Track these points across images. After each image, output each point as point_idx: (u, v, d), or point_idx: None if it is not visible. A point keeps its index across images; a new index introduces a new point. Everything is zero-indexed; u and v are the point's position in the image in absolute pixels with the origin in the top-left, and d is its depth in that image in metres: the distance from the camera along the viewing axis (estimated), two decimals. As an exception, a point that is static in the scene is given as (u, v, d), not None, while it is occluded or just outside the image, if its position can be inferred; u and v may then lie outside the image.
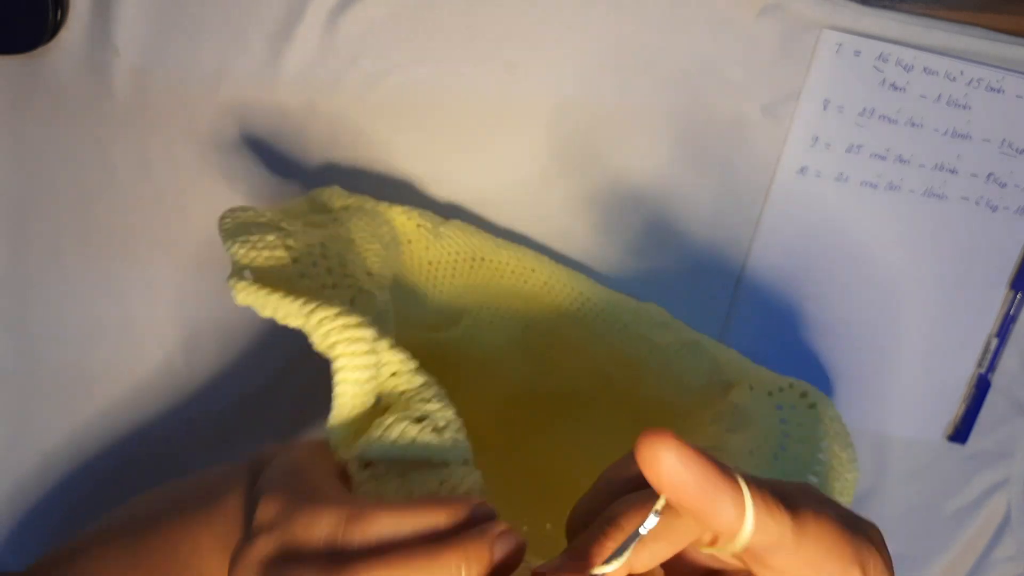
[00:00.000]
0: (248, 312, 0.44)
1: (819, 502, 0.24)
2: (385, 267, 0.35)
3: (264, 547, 0.24)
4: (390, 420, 0.27)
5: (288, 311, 0.27)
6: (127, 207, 0.42)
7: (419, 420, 0.27)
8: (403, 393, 0.28)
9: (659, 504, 0.23)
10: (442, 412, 0.27)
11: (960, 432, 0.49)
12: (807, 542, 0.23)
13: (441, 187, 0.44)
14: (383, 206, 0.39)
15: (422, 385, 0.28)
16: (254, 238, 0.29)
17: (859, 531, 0.24)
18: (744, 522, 0.22)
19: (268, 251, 0.29)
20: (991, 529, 0.51)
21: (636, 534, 0.23)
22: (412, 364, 0.28)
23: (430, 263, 0.41)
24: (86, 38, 0.40)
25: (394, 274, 0.37)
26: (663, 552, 0.24)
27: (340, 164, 0.43)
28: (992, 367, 0.48)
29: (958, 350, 0.48)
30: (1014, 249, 0.47)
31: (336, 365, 0.27)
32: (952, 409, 0.49)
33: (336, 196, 0.37)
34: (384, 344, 0.28)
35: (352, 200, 0.37)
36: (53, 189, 0.42)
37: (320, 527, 0.24)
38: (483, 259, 0.42)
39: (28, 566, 0.34)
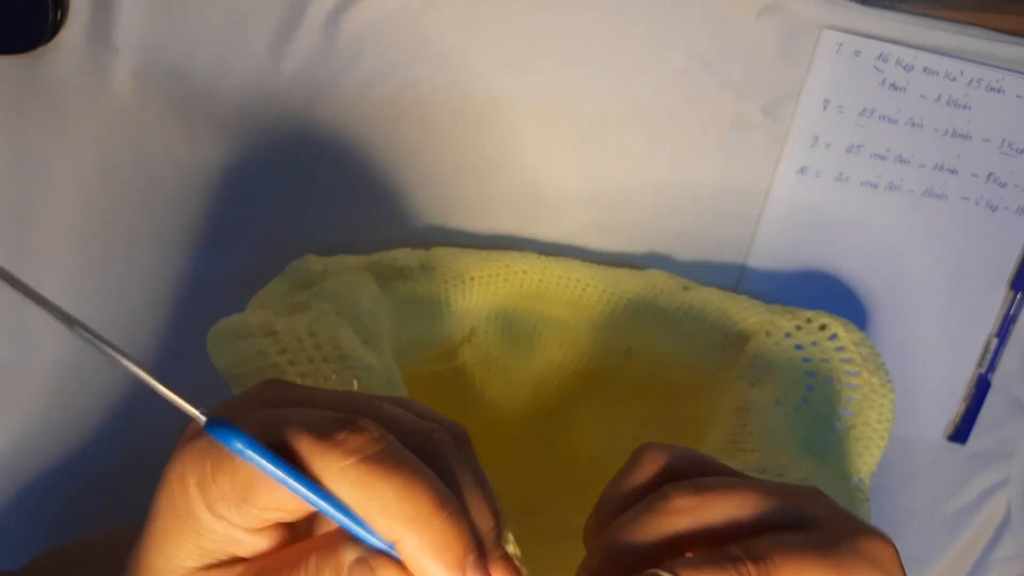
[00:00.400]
0: (248, 312, 0.44)
1: (799, 546, 0.22)
2: (377, 322, 0.35)
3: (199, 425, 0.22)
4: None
5: None
6: (127, 207, 0.42)
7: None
8: None
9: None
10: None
11: (960, 432, 0.49)
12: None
13: (441, 187, 0.44)
14: (360, 261, 0.38)
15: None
16: (242, 349, 0.30)
17: (846, 557, 0.22)
18: None
19: (260, 362, 0.29)
20: (991, 529, 0.51)
21: None
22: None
23: (422, 299, 0.41)
24: (86, 38, 0.40)
25: (388, 329, 0.37)
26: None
27: (340, 164, 0.43)
28: (992, 367, 0.48)
29: (958, 350, 0.48)
30: (1014, 249, 0.47)
31: None
32: (952, 409, 0.49)
33: (312, 265, 0.37)
34: None
35: (329, 263, 0.37)
36: (53, 189, 0.42)
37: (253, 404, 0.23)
38: (472, 278, 0.42)
39: (15, 572, 0.34)
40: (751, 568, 0.21)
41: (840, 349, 0.38)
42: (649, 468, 0.26)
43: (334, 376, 0.30)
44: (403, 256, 0.40)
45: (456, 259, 0.41)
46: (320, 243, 0.42)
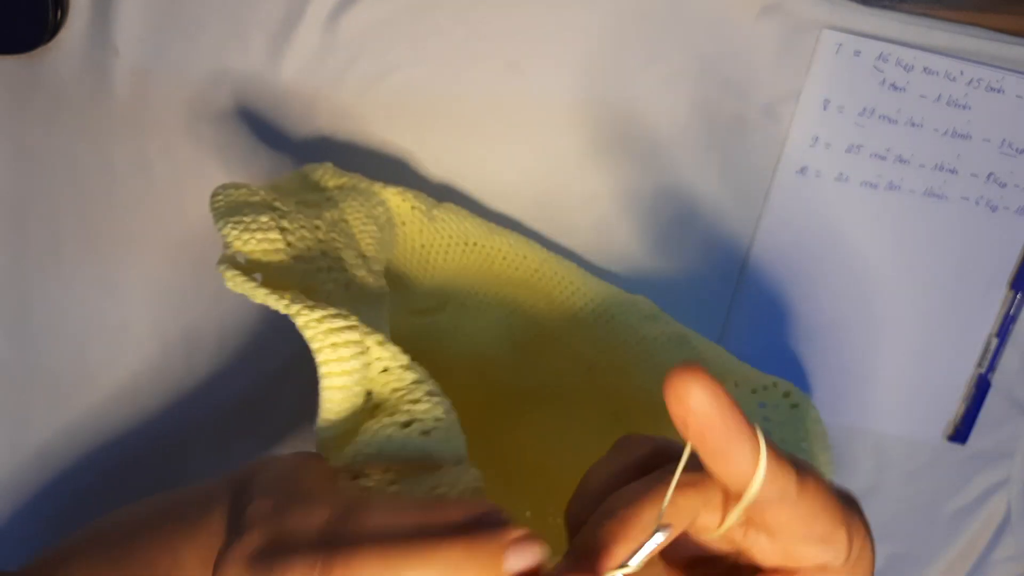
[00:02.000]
0: (247, 312, 0.44)
1: (812, 467, 0.25)
2: (381, 249, 0.34)
3: (254, 540, 0.23)
4: (377, 426, 0.26)
5: (274, 305, 0.27)
6: (127, 207, 0.42)
7: (406, 425, 0.26)
8: (394, 391, 0.27)
9: (685, 454, 0.23)
10: (432, 411, 0.27)
11: (960, 432, 0.49)
12: (806, 498, 0.23)
13: (442, 187, 0.44)
14: (377, 186, 0.38)
15: (413, 382, 0.27)
16: (247, 219, 0.28)
17: (846, 500, 0.25)
18: (758, 469, 0.22)
19: (261, 233, 0.28)
20: (991, 529, 0.51)
21: (655, 536, 0.23)
22: (403, 359, 0.28)
23: (423, 246, 0.40)
24: (86, 38, 0.40)
25: (388, 256, 0.37)
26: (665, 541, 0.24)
27: (339, 164, 0.43)
28: (992, 367, 0.48)
29: (958, 350, 0.48)
30: (1014, 249, 0.47)
31: (321, 371, 0.26)
32: (952, 409, 0.49)
33: (329, 174, 0.37)
34: (374, 339, 0.27)
35: (346, 179, 0.37)
36: (53, 189, 0.42)
37: (315, 517, 0.23)
38: (475, 244, 0.41)
39: (14, 571, 0.34)
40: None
41: (797, 419, 0.39)
42: (636, 451, 0.27)
43: (327, 271, 0.29)
44: (420, 198, 0.40)
45: (464, 220, 0.41)
46: (320, 243, 0.42)
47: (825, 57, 0.43)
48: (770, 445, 0.23)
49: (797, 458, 0.24)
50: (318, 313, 0.26)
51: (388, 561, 0.21)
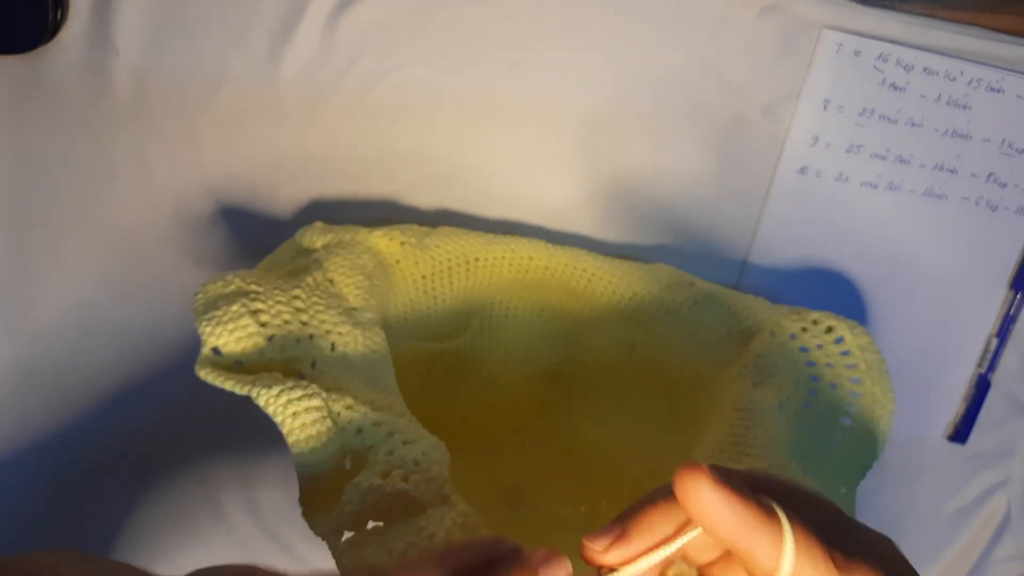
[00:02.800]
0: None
1: (877, 561, 0.22)
2: (371, 295, 0.35)
3: None
4: (358, 482, 0.27)
5: (239, 391, 0.28)
6: (127, 207, 0.42)
7: (385, 475, 0.27)
8: (371, 448, 0.28)
9: (694, 534, 0.23)
10: (410, 456, 0.27)
11: (960, 432, 0.49)
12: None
13: (442, 187, 0.44)
14: (362, 234, 0.39)
15: (387, 436, 0.28)
16: (219, 313, 0.30)
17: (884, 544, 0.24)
18: (782, 564, 0.21)
19: (233, 323, 0.30)
20: (991, 529, 0.51)
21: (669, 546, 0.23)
22: (373, 416, 0.29)
23: (424, 276, 0.41)
24: (86, 38, 0.40)
25: (384, 300, 0.37)
26: (702, 546, 0.24)
27: (340, 164, 0.43)
28: (992, 367, 0.48)
29: (958, 350, 0.48)
30: (1014, 249, 0.47)
31: (288, 440, 0.28)
32: (952, 409, 0.49)
33: (317, 234, 0.38)
34: (342, 404, 0.28)
35: (331, 236, 0.38)
36: (53, 189, 0.42)
37: None
38: (477, 259, 0.41)
39: None
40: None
41: (845, 353, 0.38)
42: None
43: (309, 339, 0.31)
44: (408, 232, 0.40)
45: (461, 239, 0.41)
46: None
47: (825, 57, 0.43)
48: (805, 538, 0.21)
49: (856, 548, 0.22)
50: (276, 389, 0.28)
51: None
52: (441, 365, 0.43)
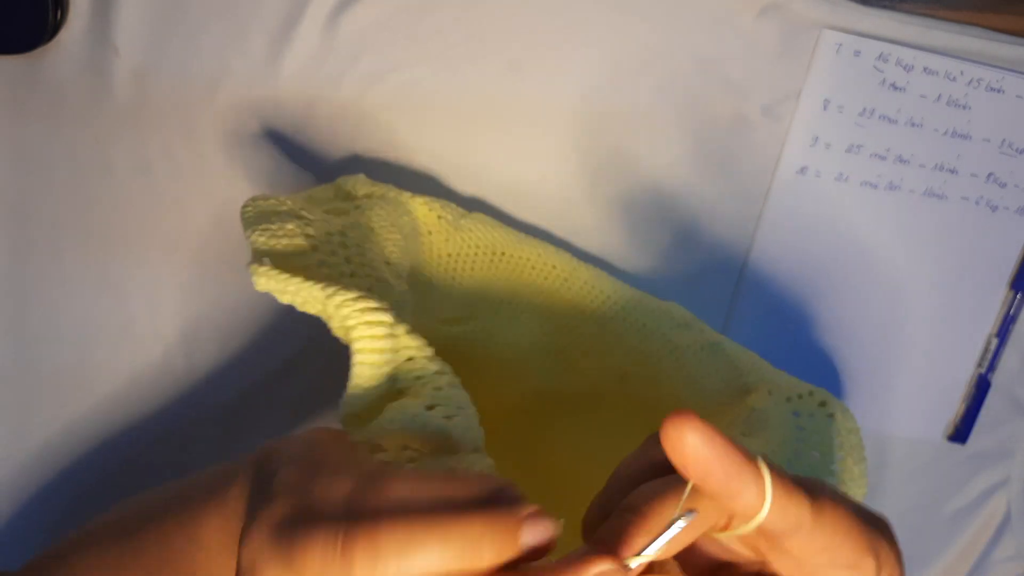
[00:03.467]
0: (248, 312, 0.44)
1: (835, 492, 0.24)
2: (404, 256, 0.35)
3: (279, 509, 0.23)
4: (402, 405, 0.27)
5: (307, 296, 0.27)
6: (127, 207, 0.42)
7: (430, 407, 0.27)
8: (419, 379, 0.28)
9: (687, 491, 0.23)
10: (455, 399, 0.27)
11: (960, 432, 0.49)
12: (824, 527, 0.23)
13: (442, 187, 0.44)
14: (406, 196, 0.39)
15: (436, 372, 0.28)
16: (274, 226, 0.30)
17: (873, 523, 0.25)
18: (763, 504, 0.22)
19: (287, 239, 0.29)
20: (991, 529, 0.51)
21: (673, 525, 0.23)
22: (429, 351, 0.28)
23: (449, 255, 0.41)
24: (86, 38, 0.40)
25: (412, 264, 0.37)
26: (683, 540, 0.24)
27: (340, 165, 0.43)
28: (992, 367, 0.48)
29: (958, 350, 0.48)
30: (1014, 249, 0.47)
31: (355, 347, 0.27)
32: (952, 409, 0.49)
33: (360, 184, 0.38)
34: (402, 329, 0.28)
35: (376, 188, 0.38)
36: (53, 189, 0.42)
37: (338, 488, 0.23)
38: (503, 254, 0.41)
39: (21, 566, 0.34)
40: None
41: (833, 432, 0.39)
42: (661, 450, 0.27)
43: (350, 276, 0.30)
44: (447, 208, 0.40)
45: (493, 230, 0.41)
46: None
47: (825, 57, 0.43)
48: (778, 476, 0.23)
49: (814, 482, 0.24)
50: (354, 293, 0.27)
51: (408, 534, 0.21)
52: (441, 350, 0.43)
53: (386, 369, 0.28)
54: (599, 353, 0.43)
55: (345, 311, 0.27)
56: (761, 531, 0.23)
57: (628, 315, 0.42)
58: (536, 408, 0.45)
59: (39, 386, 0.44)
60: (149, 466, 0.45)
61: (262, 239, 0.29)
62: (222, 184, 0.42)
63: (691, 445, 0.21)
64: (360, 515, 0.22)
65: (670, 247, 0.45)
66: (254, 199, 0.32)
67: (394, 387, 0.28)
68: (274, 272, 0.28)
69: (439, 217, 0.40)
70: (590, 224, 0.45)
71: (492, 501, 0.23)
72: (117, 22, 0.40)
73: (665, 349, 0.42)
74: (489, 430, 0.45)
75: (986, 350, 0.48)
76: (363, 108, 0.42)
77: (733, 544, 0.26)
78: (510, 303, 0.43)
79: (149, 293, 0.43)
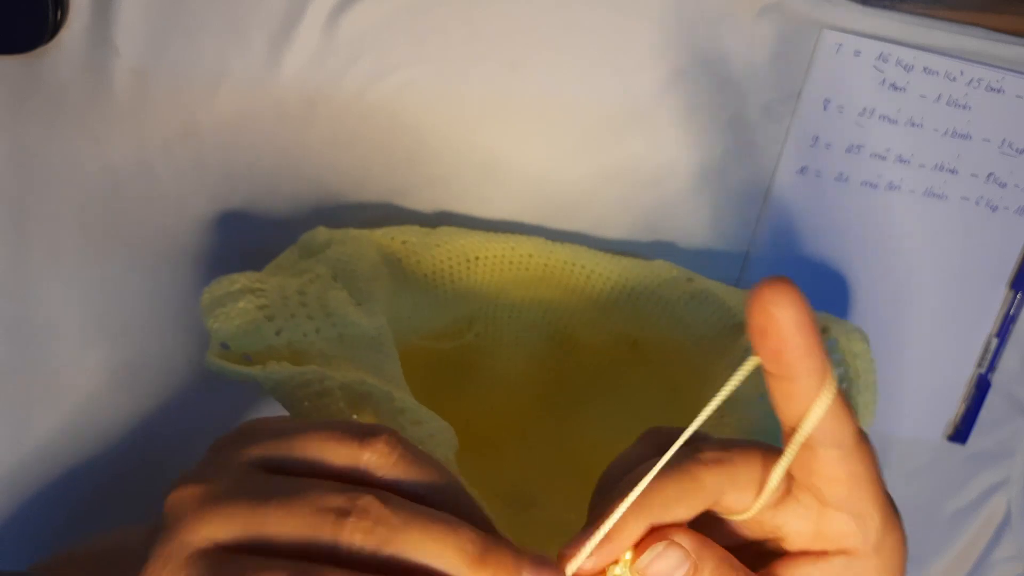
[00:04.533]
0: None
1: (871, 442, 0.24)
2: (374, 291, 0.35)
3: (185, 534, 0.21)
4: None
5: (250, 377, 0.29)
6: (127, 207, 0.42)
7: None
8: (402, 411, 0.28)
9: (752, 363, 0.22)
10: (416, 435, 0.27)
11: (960, 432, 0.49)
12: (859, 458, 0.23)
13: (442, 187, 0.44)
14: (364, 234, 0.39)
15: (399, 412, 0.28)
16: (227, 308, 0.31)
17: (888, 493, 0.25)
18: (823, 394, 0.21)
19: (240, 318, 0.31)
20: (991, 529, 0.51)
21: (625, 500, 0.23)
22: (384, 391, 0.29)
23: (425, 275, 0.41)
24: (86, 38, 0.40)
25: (387, 298, 0.37)
26: (681, 514, 0.24)
27: (340, 164, 0.43)
28: (992, 367, 0.48)
29: (958, 350, 0.48)
30: (1014, 249, 0.47)
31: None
32: (952, 409, 0.49)
33: (319, 236, 0.38)
34: (352, 380, 0.28)
35: (334, 235, 0.38)
36: (53, 189, 0.42)
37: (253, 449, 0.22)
38: (476, 258, 0.41)
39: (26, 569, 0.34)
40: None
41: (836, 358, 0.38)
42: (657, 439, 0.27)
43: (315, 332, 0.31)
44: (409, 232, 0.40)
45: (461, 238, 0.41)
46: (320, 243, 0.42)
47: (825, 57, 0.43)
48: (837, 387, 0.22)
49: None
50: (285, 374, 0.28)
51: (418, 525, 0.21)
52: (444, 366, 0.43)
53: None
54: (601, 327, 0.43)
55: (277, 396, 0.28)
56: (807, 441, 0.22)
57: (617, 283, 0.42)
58: (557, 396, 0.45)
59: (39, 386, 0.44)
60: (149, 466, 0.45)
61: (216, 325, 0.30)
62: (222, 184, 0.42)
63: (784, 310, 0.20)
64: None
65: (670, 247, 0.45)
66: (209, 286, 0.32)
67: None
68: (217, 361, 0.29)
69: (403, 243, 0.40)
70: (590, 223, 0.45)
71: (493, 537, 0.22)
72: (117, 22, 0.40)
73: (658, 307, 0.42)
74: (513, 431, 0.45)
75: (986, 350, 0.48)
76: (363, 108, 0.42)
77: (739, 527, 0.26)
78: (502, 302, 0.43)
79: (149, 293, 0.43)
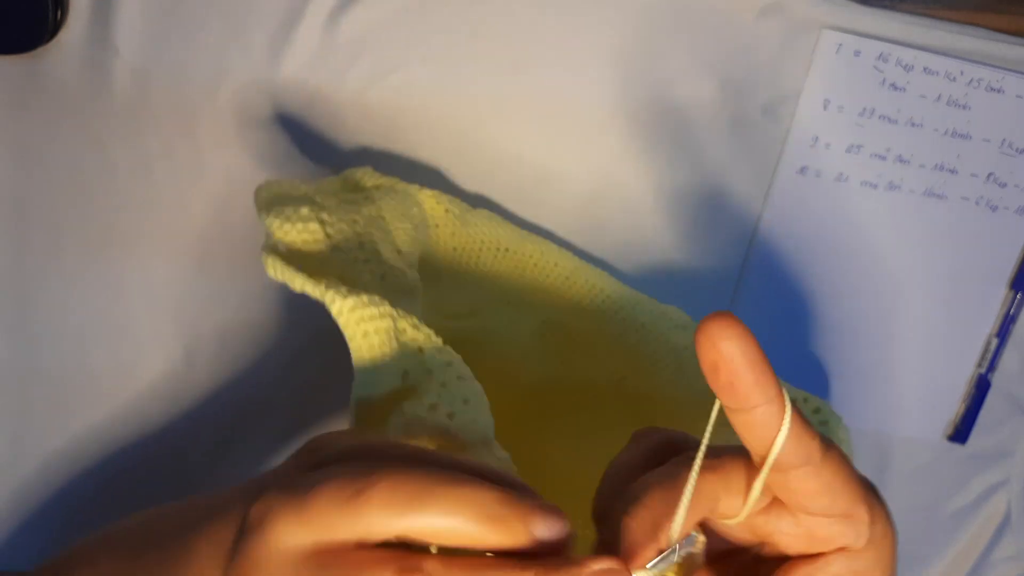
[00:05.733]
0: (248, 311, 0.44)
1: (834, 443, 0.25)
2: (415, 246, 0.35)
3: (289, 470, 0.23)
4: (402, 410, 0.27)
5: (312, 291, 0.28)
6: (127, 207, 0.42)
7: (433, 406, 0.27)
8: (429, 371, 0.28)
9: (714, 411, 0.23)
10: (460, 393, 0.27)
11: (960, 432, 0.49)
12: (829, 467, 0.23)
13: (442, 187, 0.43)
14: (414, 188, 0.39)
15: (445, 364, 0.28)
16: (288, 210, 0.30)
17: (866, 480, 0.25)
18: (783, 424, 0.22)
19: (302, 224, 0.30)
20: (991, 529, 0.51)
21: (688, 541, 0.23)
22: (437, 341, 0.28)
23: (455, 249, 0.41)
24: (86, 38, 0.40)
25: (421, 255, 0.37)
26: (691, 519, 0.24)
27: (340, 164, 0.43)
28: (992, 367, 0.48)
29: (958, 350, 0.48)
30: (1014, 249, 0.47)
31: (353, 356, 0.27)
32: (952, 409, 0.49)
33: (368, 176, 0.38)
34: (408, 322, 0.28)
35: (384, 180, 0.38)
36: (53, 189, 0.42)
37: (348, 440, 0.23)
38: (507, 249, 0.42)
39: (29, 571, 0.34)
40: None
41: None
42: (650, 440, 0.27)
43: (364, 263, 0.30)
44: (454, 203, 0.40)
45: (498, 226, 0.41)
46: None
47: (825, 57, 0.43)
48: (795, 407, 0.22)
49: (817, 430, 0.24)
50: (351, 301, 0.27)
51: (424, 486, 0.21)
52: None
53: (391, 367, 0.27)
54: (598, 353, 0.43)
55: (341, 320, 0.27)
56: (776, 465, 0.23)
57: (628, 315, 0.42)
58: (534, 406, 0.45)
59: (39, 386, 0.44)
60: (149, 466, 0.45)
61: (276, 223, 0.29)
62: (222, 184, 0.42)
63: (729, 343, 0.21)
64: (375, 462, 0.22)
65: (670, 247, 0.45)
66: (268, 183, 0.32)
67: (406, 383, 0.28)
68: (281, 265, 0.28)
69: (446, 210, 0.40)
70: (590, 223, 0.45)
71: (508, 485, 0.22)
72: (117, 22, 0.40)
73: (663, 350, 0.42)
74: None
75: (986, 350, 0.48)
76: (364, 108, 0.42)
77: (734, 531, 0.26)
78: (512, 300, 0.43)
79: (149, 293, 0.43)
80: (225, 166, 0.42)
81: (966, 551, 0.51)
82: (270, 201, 0.31)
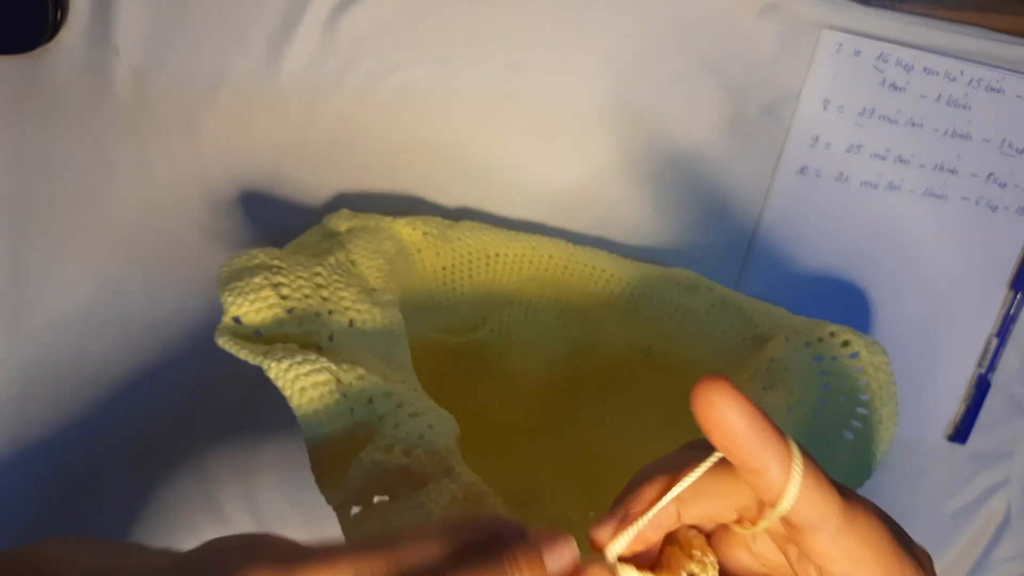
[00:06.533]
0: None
1: (875, 507, 0.23)
2: (391, 281, 0.35)
3: None
4: (364, 456, 0.27)
5: (253, 361, 0.29)
6: (127, 207, 0.42)
7: (388, 448, 0.27)
8: (380, 418, 0.28)
9: (713, 458, 0.22)
10: (414, 430, 0.28)
11: (960, 432, 0.49)
12: (854, 532, 0.22)
13: (442, 187, 0.44)
14: (386, 221, 0.39)
15: (396, 407, 0.28)
16: (241, 284, 0.31)
17: (909, 549, 0.23)
18: (788, 483, 0.21)
19: (254, 294, 0.31)
20: (991, 529, 0.51)
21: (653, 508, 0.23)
22: (383, 387, 0.29)
23: (444, 268, 0.41)
24: (86, 38, 0.40)
25: (403, 287, 0.37)
26: (710, 509, 0.23)
27: (340, 164, 0.43)
28: (992, 367, 0.48)
29: (958, 350, 0.48)
30: (1014, 249, 0.47)
31: (296, 414, 0.28)
32: (952, 409, 0.49)
33: (342, 219, 0.38)
34: (353, 375, 0.29)
35: (356, 221, 0.38)
36: (53, 189, 0.42)
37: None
38: (497, 255, 0.42)
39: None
40: None
41: (858, 370, 0.37)
42: (694, 453, 0.26)
43: (328, 315, 0.31)
44: (431, 223, 0.40)
45: (482, 234, 0.41)
46: (320, 243, 0.42)
47: (825, 57, 0.43)
48: (810, 464, 0.21)
49: (850, 489, 0.23)
50: (285, 363, 0.28)
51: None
52: (457, 360, 0.43)
53: (339, 423, 0.28)
54: (617, 332, 0.43)
55: (279, 383, 0.28)
56: (787, 523, 0.22)
57: (636, 288, 0.42)
58: (567, 396, 0.45)
59: (39, 385, 0.44)
60: (148, 464, 0.45)
61: (229, 299, 0.30)
62: (222, 185, 0.42)
63: (721, 410, 0.21)
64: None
65: (670, 246, 0.45)
66: (229, 259, 0.33)
67: (361, 432, 0.28)
68: (228, 340, 0.29)
69: (424, 234, 0.40)
70: (591, 223, 0.45)
71: (497, 536, 0.22)
72: (117, 22, 0.40)
73: (678, 313, 0.42)
74: (522, 428, 0.45)
75: (986, 350, 0.48)
76: (363, 108, 0.42)
77: (766, 552, 0.25)
78: (518, 301, 0.43)
79: (148, 292, 0.43)
80: (225, 166, 0.42)
81: (966, 551, 0.51)
82: (227, 278, 0.32)
